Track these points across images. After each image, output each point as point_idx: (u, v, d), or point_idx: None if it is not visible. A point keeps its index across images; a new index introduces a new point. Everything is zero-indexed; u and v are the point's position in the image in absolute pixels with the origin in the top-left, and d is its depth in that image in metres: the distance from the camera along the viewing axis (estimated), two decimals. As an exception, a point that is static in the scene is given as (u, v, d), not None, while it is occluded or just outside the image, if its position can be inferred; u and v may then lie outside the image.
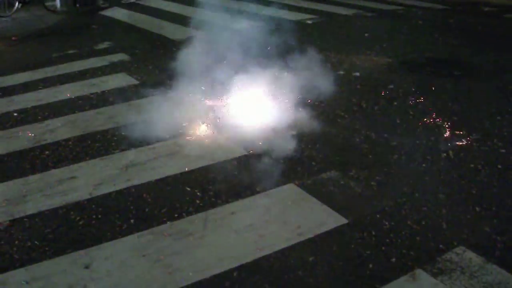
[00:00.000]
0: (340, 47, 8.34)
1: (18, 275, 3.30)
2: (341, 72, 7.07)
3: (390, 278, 3.23)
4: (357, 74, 7.03)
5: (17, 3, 11.98)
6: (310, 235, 3.63)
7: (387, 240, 3.58)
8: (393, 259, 3.39)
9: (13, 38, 9.90)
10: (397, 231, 3.68)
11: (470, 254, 3.43)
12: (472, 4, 12.81)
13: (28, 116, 5.87)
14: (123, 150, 4.97)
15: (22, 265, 3.39)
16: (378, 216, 3.86)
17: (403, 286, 3.16)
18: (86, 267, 3.35)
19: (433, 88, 6.44)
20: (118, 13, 12.17)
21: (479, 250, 3.47)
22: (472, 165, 4.60)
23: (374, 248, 3.50)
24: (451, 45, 8.66)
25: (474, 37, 9.20)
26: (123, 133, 5.31)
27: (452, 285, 3.16)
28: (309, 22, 10.61)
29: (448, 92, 6.30)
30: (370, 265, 3.34)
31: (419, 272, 3.27)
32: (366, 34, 9.35)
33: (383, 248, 3.51)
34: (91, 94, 6.52)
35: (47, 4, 12.52)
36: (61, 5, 12.70)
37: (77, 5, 13.16)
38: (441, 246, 3.53)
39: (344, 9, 11.88)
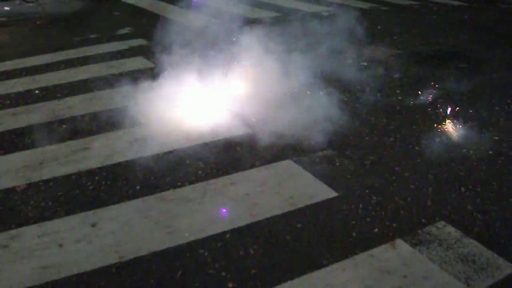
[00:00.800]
0: (351, 38, 8.55)
1: (31, 230, 3.63)
2: (349, 61, 7.30)
3: (371, 245, 3.48)
4: (365, 63, 7.26)
5: (42, -11, 12.41)
6: (301, 205, 3.91)
7: (373, 213, 3.84)
8: (376, 229, 3.65)
9: (38, 22, 10.29)
10: (383, 205, 3.93)
11: (450, 229, 3.67)
12: (490, 2, 12.92)
13: (49, 94, 6.22)
14: (135, 126, 5.28)
15: (35, 222, 3.72)
16: (367, 191, 4.12)
17: (382, 252, 3.42)
18: (93, 225, 3.67)
19: (437, 79, 6.65)
20: (140, 1, 12.51)
21: (459, 225, 3.71)
22: (464, 150, 4.83)
23: (359, 219, 3.76)
24: (462, 39, 8.84)
25: (485, 33, 9.35)
26: (136, 111, 5.61)
27: (428, 254, 3.41)
28: (325, 14, 10.83)
29: (451, 83, 6.50)
30: (354, 234, 3.60)
31: (399, 241, 3.53)
32: (378, 27, 9.56)
33: (367, 219, 3.77)
34: (109, 75, 6.85)
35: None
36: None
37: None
38: (423, 220, 3.77)
39: (361, 3, 12.08)
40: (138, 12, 11.29)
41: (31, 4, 11.93)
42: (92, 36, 9.08)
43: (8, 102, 6.02)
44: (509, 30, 9.77)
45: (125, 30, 9.48)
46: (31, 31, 9.63)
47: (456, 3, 12.64)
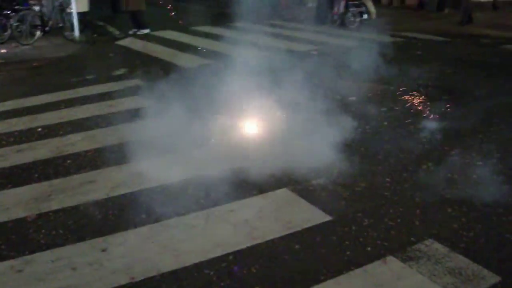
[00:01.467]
0: (340, 75, 8.92)
1: (44, 256, 3.85)
2: (338, 97, 7.64)
3: (364, 262, 3.74)
4: (353, 98, 7.60)
5: (38, 32, 12.80)
6: (298, 229, 4.16)
7: (365, 234, 4.11)
8: (369, 248, 3.91)
9: (35, 64, 10.61)
10: (374, 227, 4.20)
11: (437, 245, 3.94)
12: (472, 37, 13.46)
13: (51, 131, 6.49)
14: (137, 160, 5.53)
15: (47, 248, 3.95)
16: (359, 214, 4.39)
17: (375, 268, 3.67)
18: (103, 250, 3.90)
19: (421, 111, 6.99)
20: (134, 43, 12.92)
21: (446, 242, 3.98)
22: (449, 175, 5.12)
23: (353, 239, 4.02)
24: (445, 73, 9.25)
25: (468, 66, 9.79)
26: (136, 147, 5.87)
27: (418, 268, 3.66)
28: (314, 52, 11.25)
29: (435, 114, 6.84)
30: (348, 252, 3.86)
31: (390, 258, 3.79)
32: (366, 63, 9.93)
33: (360, 239, 4.03)
34: (108, 113, 7.13)
35: (66, 33, 13.29)
36: (79, 35, 13.44)
37: (95, 35, 13.94)
38: (412, 238, 4.04)
39: (347, 41, 12.55)
40: (132, 54, 11.67)
41: (27, 47, 12.28)
42: (89, 77, 9.41)
43: (12, 139, 6.28)
44: (490, 62, 10.22)
45: (121, 71, 9.82)
46: (29, 73, 9.95)
47: (440, 38, 13.15)
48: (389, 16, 16.30)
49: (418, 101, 7.52)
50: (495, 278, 3.55)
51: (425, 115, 6.86)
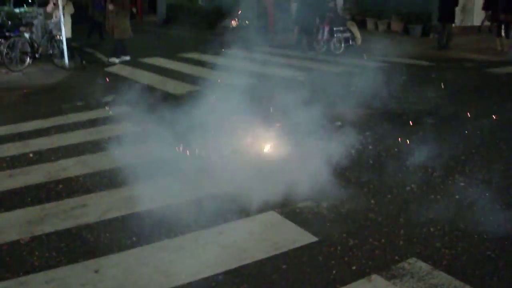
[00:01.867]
0: (326, 100, 9.11)
1: (38, 277, 3.96)
2: (324, 122, 7.81)
3: (350, 281, 3.87)
4: (339, 123, 7.78)
5: (28, 59, 12.95)
6: (285, 249, 4.30)
7: (350, 253, 4.24)
8: (354, 267, 4.05)
9: (25, 90, 10.74)
10: (359, 247, 4.34)
11: (421, 264, 4.08)
12: (456, 61, 13.77)
13: (43, 157, 6.61)
14: (128, 184, 5.66)
15: (41, 270, 4.06)
16: (344, 235, 4.53)
17: (359, 286, 3.81)
18: (96, 271, 4.01)
19: (405, 134, 7.17)
20: (122, 70, 13.09)
21: (429, 260, 4.12)
22: (432, 196, 5.29)
23: (338, 259, 4.16)
24: (429, 97, 9.47)
25: (452, 89, 10.03)
26: (127, 171, 6.00)
27: (401, 286, 3.80)
28: (301, 78, 11.47)
29: (419, 137, 7.03)
30: (334, 271, 3.99)
31: (374, 276, 3.92)
32: (351, 89, 10.16)
33: (346, 259, 4.17)
34: (99, 139, 7.26)
35: (55, 60, 13.45)
36: (69, 62, 13.60)
37: (84, 62, 14.10)
38: (396, 257, 4.18)
39: (333, 67, 12.81)
40: (121, 81, 11.80)
41: (17, 73, 12.42)
42: (79, 103, 9.55)
43: (5, 164, 6.39)
44: (473, 85, 10.50)
45: (110, 98, 9.95)
46: (19, 99, 10.09)
47: (424, 63, 13.44)
48: (375, 42, 16.59)
49: (403, 124, 7.71)
50: (476, 294, 3.69)
51: (409, 138, 7.03)
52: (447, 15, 15.62)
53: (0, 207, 5.21)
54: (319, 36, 15.71)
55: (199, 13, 25.34)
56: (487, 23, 17.87)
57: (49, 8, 14.22)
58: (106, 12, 14.96)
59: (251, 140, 6.65)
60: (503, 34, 15.17)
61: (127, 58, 14.66)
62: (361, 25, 20.70)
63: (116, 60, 14.40)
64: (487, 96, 9.73)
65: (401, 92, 9.75)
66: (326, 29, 15.51)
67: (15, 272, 4.04)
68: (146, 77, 12.00)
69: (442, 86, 10.34)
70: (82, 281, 3.88)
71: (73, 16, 14.24)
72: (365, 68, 12.61)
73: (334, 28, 15.40)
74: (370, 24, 21.37)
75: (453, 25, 16.27)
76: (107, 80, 11.95)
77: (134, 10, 34.47)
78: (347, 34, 15.47)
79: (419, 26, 19.07)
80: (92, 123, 8.11)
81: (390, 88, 9.99)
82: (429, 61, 13.76)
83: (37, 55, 13.47)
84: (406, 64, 13.22)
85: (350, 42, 15.50)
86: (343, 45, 15.36)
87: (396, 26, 20.29)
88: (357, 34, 15.59)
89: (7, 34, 13.12)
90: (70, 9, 14.01)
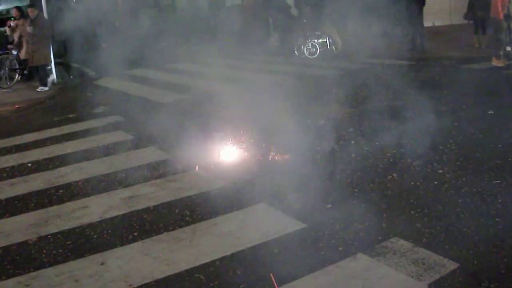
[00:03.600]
0: (309, 102, 9.47)
1: (48, 272, 4.25)
2: (308, 121, 8.16)
3: (337, 259, 4.20)
4: (322, 122, 8.13)
5: (17, 76, 13.19)
6: (276, 236, 4.62)
7: (337, 236, 4.57)
8: (340, 248, 4.38)
9: (16, 106, 10.99)
10: (345, 230, 4.67)
11: (402, 242, 4.42)
12: (435, 59, 14.15)
13: (41, 166, 6.90)
14: (125, 186, 5.98)
15: (50, 265, 4.35)
16: (331, 221, 4.85)
17: (347, 263, 4.14)
18: (102, 263, 4.32)
19: (385, 129, 7.52)
20: (111, 83, 13.38)
21: (410, 239, 4.45)
22: (412, 183, 5.63)
23: (326, 242, 4.49)
24: (408, 93, 9.81)
25: (430, 86, 10.41)
26: (123, 175, 6.32)
27: (385, 261, 4.13)
28: (283, 82, 11.83)
29: (399, 131, 7.38)
30: (322, 252, 4.32)
31: (360, 255, 4.25)
32: (333, 90, 10.53)
33: (333, 241, 4.49)
34: (94, 147, 7.56)
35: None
36: (57, 77, 13.82)
37: (71, 77, 14.35)
38: (379, 238, 4.51)
39: (317, 70, 13.19)
40: (110, 93, 12.11)
41: (6, 90, 12.66)
42: (70, 115, 9.85)
43: (5, 174, 6.68)
44: (450, 81, 10.92)
45: (100, 109, 10.25)
46: (11, 114, 10.36)
47: (404, 62, 13.83)
48: (356, 44, 17.01)
49: (383, 120, 8.05)
50: (454, 265, 4.03)
51: (389, 132, 7.37)
52: (415, 16, 15.50)
53: (5, 213, 5.49)
54: (295, 42, 16.21)
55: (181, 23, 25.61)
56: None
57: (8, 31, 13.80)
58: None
59: (239, 140, 7.01)
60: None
61: (46, 88, 13.02)
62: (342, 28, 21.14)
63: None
64: (463, 90, 10.07)
65: (381, 91, 10.02)
66: (301, 34, 16.14)
67: (26, 268, 4.32)
68: (134, 88, 12.30)
69: (420, 83, 10.67)
70: (89, 273, 4.18)
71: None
72: (347, 69, 13.07)
73: (308, 33, 15.85)
74: (351, 26, 21.76)
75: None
76: (97, 93, 12.23)
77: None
78: (324, 39, 15.87)
79: (399, 28, 19.40)
80: (86, 133, 8.39)
81: (371, 88, 10.32)
82: (409, 60, 14.15)
83: (25, 72, 13.70)
84: (387, 64, 13.61)
85: (328, 47, 15.89)
86: (319, 49, 15.78)
87: (376, 27, 20.66)
88: (337, 38, 15.95)
89: (-6, 52, 13.39)
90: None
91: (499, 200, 5.08)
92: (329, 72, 12.81)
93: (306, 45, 15.75)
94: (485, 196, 5.20)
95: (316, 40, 15.74)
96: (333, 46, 15.84)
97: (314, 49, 15.66)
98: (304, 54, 15.72)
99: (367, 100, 9.43)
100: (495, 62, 12.78)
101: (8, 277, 4.22)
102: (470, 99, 9.18)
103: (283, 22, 16.65)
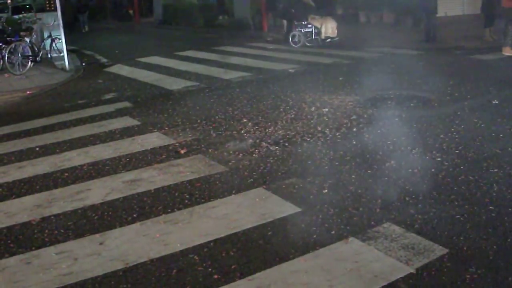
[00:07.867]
0: (315, 90, 9.56)
1: (49, 250, 4.40)
2: (313, 109, 8.25)
3: (329, 243, 4.30)
4: (326, 109, 8.21)
5: (29, 63, 13.39)
6: (270, 219, 4.73)
7: (330, 220, 4.67)
8: (333, 232, 4.47)
9: (28, 92, 11.18)
10: (339, 214, 4.77)
11: (394, 227, 4.50)
12: (446, 49, 14.15)
13: (48, 150, 7.06)
14: (128, 170, 6.12)
15: (51, 244, 4.50)
16: (325, 205, 4.95)
17: (338, 247, 4.24)
18: (101, 243, 4.45)
19: (388, 117, 7.59)
20: (121, 70, 13.56)
21: (402, 224, 4.53)
22: (410, 170, 5.70)
23: (319, 226, 4.58)
24: (415, 83, 9.90)
25: (438, 75, 10.42)
26: (127, 159, 6.46)
27: (376, 246, 4.22)
28: (291, 71, 11.92)
29: (401, 118, 7.46)
30: (315, 236, 4.42)
31: (351, 239, 4.35)
32: (340, 78, 10.61)
33: (326, 225, 4.59)
34: (101, 132, 7.71)
35: (56, 63, 13.89)
36: (69, 64, 14.03)
37: (83, 64, 14.54)
38: (372, 223, 4.60)
39: (325, 59, 13.25)
40: (120, 80, 12.29)
41: (19, 76, 12.86)
42: (80, 101, 10.02)
43: (13, 158, 6.84)
44: (458, 70, 10.97)
45: (110, 95, 10.42)
46: (23, 100, 10.55)
47: (414, 52, 13.86)
48: (367, 33, 17.06)
49: (386, 109, 8.12)
50: (443, 251, 4.11)
51: (392, 120, 7.45)
52: (429, 6, 15.40)
53: (11, 194, 5.65)
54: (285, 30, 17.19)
55: (193, 12, 25.79)
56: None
57: None
58: None
59: (244, 127, 7.11)
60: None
61: None
62: (353, 19, 21.22)
63: None
64: (471, 79, 10.11)
65: (388, 80, 10.16)
66: (286, 22, 17.07)
67: (28, 247, 4.48)
68: (144, 76, 12.47)
69: (428, 72, 10.75)
70: (88, 252, 4.32)
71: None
72: (355, 58, 13.12)
73: (296, 22, 16.24)
74: (362, 17, 21.82)
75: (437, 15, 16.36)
76: (107, 79, 12.41)
77: (131, 12, 34.98)
78: (309, 29, 16.20)
79: (410, 18, 19.40)
80: (94, 118, 8.56)
81: (378, 77, 10.43)
82: (419, 50, 14.17)
83: (38, 59, 13.91)
84: (396, 53, 13.67)
85: (313, 37, 16.17)
86: (306, 38, 16.18)
87: (388, 18, 20.69)
88: (323, 28, 16.09)
89: (8, 39, 13.57)
90: None
91: (495, 189, 5.14)
92: (338, 61, 12.87)
93: (292, 33, 16.38)
94: (481, 184, 5.26)
95: (301, 29, 16.22)
96: (318, 37, 16.05)
97: (297, 39, 16.20)
98: (290, 42, 16.33)
99: (373, 88, 9.49)
100: (506, 52, 12.76)
101: (11, 255, 4.38)
102: (476, 88, 9.22)
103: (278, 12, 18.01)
